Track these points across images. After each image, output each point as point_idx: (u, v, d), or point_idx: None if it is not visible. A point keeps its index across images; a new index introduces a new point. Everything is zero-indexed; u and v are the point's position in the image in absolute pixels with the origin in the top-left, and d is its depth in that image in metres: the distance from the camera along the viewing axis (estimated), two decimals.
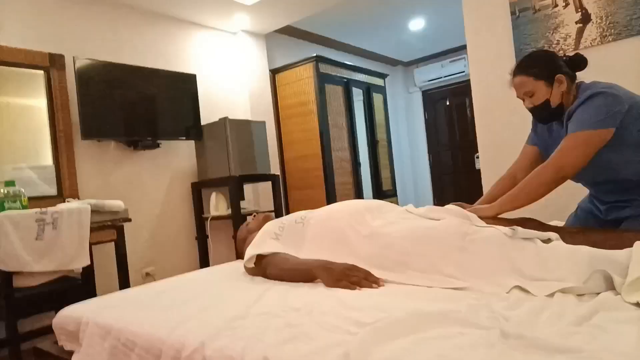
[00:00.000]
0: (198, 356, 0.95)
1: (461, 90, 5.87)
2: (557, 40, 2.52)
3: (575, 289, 1.03)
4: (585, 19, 2.43)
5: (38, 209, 2.05)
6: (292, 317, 1.04)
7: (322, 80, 4.06)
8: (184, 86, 3.23)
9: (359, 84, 4.59)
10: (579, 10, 2.45)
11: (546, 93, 1.52)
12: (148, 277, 3.05)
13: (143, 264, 3.06)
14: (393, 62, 6.22)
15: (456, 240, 1.27)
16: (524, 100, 1.60)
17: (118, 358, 1.15)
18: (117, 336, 1.17)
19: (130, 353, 1.11)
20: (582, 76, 1.58)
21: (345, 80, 4.38)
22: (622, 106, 1.38)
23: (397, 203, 4.32)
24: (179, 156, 3.38)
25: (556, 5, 2.51)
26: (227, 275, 1.68)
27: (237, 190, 3.13)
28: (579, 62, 1.56)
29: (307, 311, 1.06)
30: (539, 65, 1.54)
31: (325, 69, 4.13)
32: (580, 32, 2.45)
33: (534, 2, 2.58)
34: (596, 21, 2.40)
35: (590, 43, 2.42)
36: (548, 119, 1.60)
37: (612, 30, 2.36)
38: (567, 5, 2.48)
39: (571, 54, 1.59)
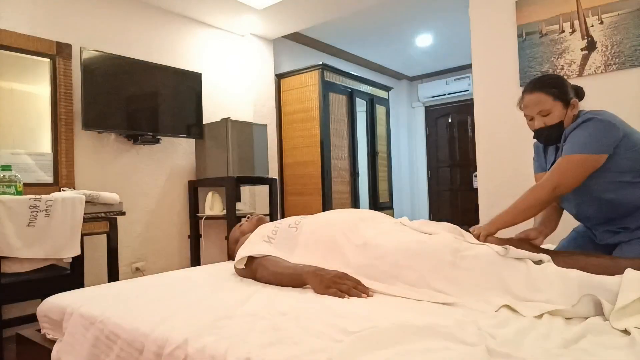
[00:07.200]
0: (180, 353, 0.94)
1: (464, 109, 5.90)
2: (562, 65, 2.54)
3: (564, 312, 1.03)
4: (591, 46, 2.46)
5: (32, 196, 2.05)
6: (278, 320, 1.03)
7: (327, 88, 4.08)
8: (188, 84, 3.23)
9: (362, 94, 4.61)
10: (585, 37, 2.47)
11: (561, 115, 1.52)
12: (137, 272, 3.03)
13: (134, 259, 3.04)
14: (398, 76, 6.26)
15: (447, 255, 1.27)
16: (532, 119, 1.56)
17: (100, 349, 1.14)
18: (101, 328, 1.16)
19: (113, 345, 1.10)
20: (582, 104, 1.60)
21: (350, 90, 4.40)
22: (617, 133, 1.41)
23: (392, 216, 4.32)
24: (178, 153, 3.38)
25: (563, 31, 2.54)
26: (216, 275, 1.67)
27: (234, 191, 3.13)
28: (581, 92, 1.60)
29: (293, 316, 1.06)
30: (559, 86, 1.53)
31: (330, 77, 4.15)
32: (585, 59, 2.48)
33: (541, 27, 2.61)
34: (601, 49, 2.42)
35: (594, 71, 2.44)
36: (554, 141, 1.59)
37: (617, 60, 2.38)
38: (573, 31, 2.51)
39: (575, 80, 1.62)
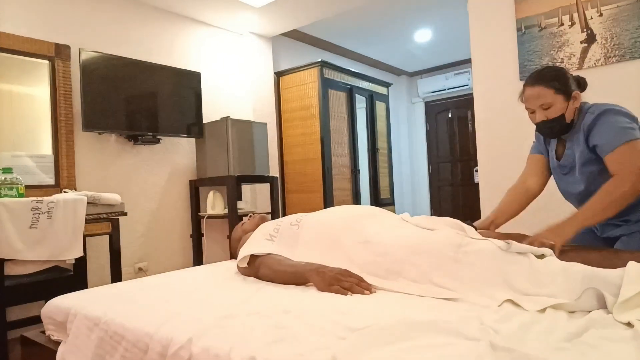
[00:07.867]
0: (185, 353, 0.95)
1: (463, 103, 5.89)
2: (562, 58, 2.53)
3: (567, 306, 1.03)
4: (590, 39, 2.45)
5: (34, 198, 2.05)
6: (281, 318, 1.03)
7: (326, 85, 4.07)
8: (188, 83, 3.23)
9: (362, 91, 4.61)
10: (584, 30, 2.46)
11: (562, 108, 1.51)
12: (140, 272, 3.04)
13: (136, 259, 3.05)
14: (397, 72, 6.24)
15: (450, 251, 1.27)
16: (533, 113, 1.55)
17: (105, 350, 1.14)
18: (105, 329, 1.16)
19: (118, 346, 1.11)
20: (583, 96, 1.59)
21: (349, 86, 4.39)
22: (633, 118, 1.43)
23: (394, 212, 4.32)
24: (178, 153, 3.38)
25: (562, 24, 2.53)
26: (219, 274, 1.67)
27: (235, 190, 3.13)
28: (583, 83, 1.58)
29: (296, 313, 1.06)
30: (560, 79, 1.52)
31: (329, 74, 4.14)
32: (584, 52, 2.47)
33: (540, 20, 2.60)
34: (601, 42, 2.41)
35: (594, 63, 2.43)
36: (556, 134, 1.58)
37: (617, 52, 2.37)
38: (572, 24, 2.50)
39: (575, 73, 1.60)
